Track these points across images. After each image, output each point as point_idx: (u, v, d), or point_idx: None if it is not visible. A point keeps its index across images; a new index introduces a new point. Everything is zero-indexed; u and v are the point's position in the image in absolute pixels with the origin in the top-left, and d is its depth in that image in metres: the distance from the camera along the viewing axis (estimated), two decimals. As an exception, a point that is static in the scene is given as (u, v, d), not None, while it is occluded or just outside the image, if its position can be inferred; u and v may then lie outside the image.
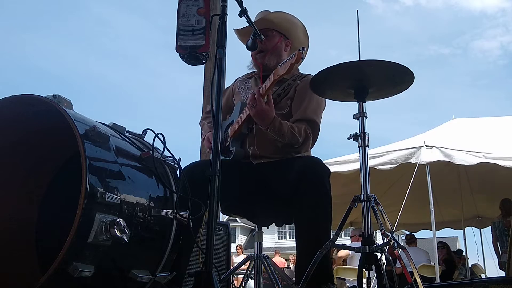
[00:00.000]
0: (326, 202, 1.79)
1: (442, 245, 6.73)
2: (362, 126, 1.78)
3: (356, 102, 1.81)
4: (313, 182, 1.78)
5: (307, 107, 2.04)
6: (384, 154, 5.32)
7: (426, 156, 5.00)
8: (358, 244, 2.22)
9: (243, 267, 2.65)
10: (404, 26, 44.86)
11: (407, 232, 7.80)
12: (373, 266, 1.64)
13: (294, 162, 1.95)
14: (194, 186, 1.52)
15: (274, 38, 2.15)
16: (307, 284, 1.65)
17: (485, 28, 45.80)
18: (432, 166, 5.10)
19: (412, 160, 5.09)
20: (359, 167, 1.78)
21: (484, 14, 46.05)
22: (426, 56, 43.58)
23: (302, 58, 1.67)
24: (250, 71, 2.32)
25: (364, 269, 1.68)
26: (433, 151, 5.02)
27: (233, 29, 2.15)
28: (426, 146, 5.06)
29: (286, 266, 10.86)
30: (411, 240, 6.86)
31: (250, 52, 2.11)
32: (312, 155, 2.11)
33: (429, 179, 5.00)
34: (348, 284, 5.79)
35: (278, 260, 10.94)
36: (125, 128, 1.53)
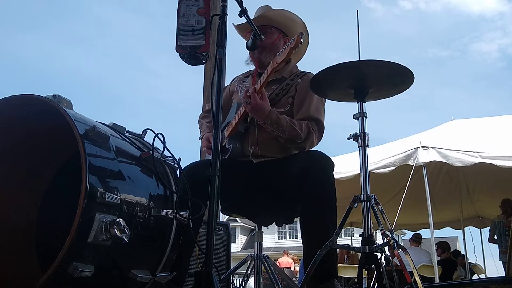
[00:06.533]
0: (332, 195, 1.80)
1: (438, 246, 6.73)
2: (362, 126, 1.78)
3: (356, 102, 1.81)
4: (317, 175, 1.78)
5: (309, 106, 2.04)
6: (382, 160, 5.32)
7: (422, 157, 5.00)
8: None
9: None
10: (404, 29, 44.93)
11: (407, 232, 7.80)
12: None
13: (297, 157, 1.95)
14: (195, 186, 1.52)
15: (273, 35, 2.15)
16: (312, 280, 1.66)
17: (484, 31, 45.89)
18: (429, 166, 5.11)
19: (409, 162, 5.10)
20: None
21: (482, 17, 46.13)
22: (425, 59, 43.61)
23: (301, 43, 1.71)
24: (247, 70, 2.32)
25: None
26: (430, 151, 5.02)
27: (232, 23, 2.15)
28: (422, 147, 5.07)
29: (292, 268, 10.73)
30: (416, 239, 6.84)
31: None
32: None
33: (426, 180, 5.01)
34: None
35: (285, 260, 10.83)
36: (125, 128, 1.53)
